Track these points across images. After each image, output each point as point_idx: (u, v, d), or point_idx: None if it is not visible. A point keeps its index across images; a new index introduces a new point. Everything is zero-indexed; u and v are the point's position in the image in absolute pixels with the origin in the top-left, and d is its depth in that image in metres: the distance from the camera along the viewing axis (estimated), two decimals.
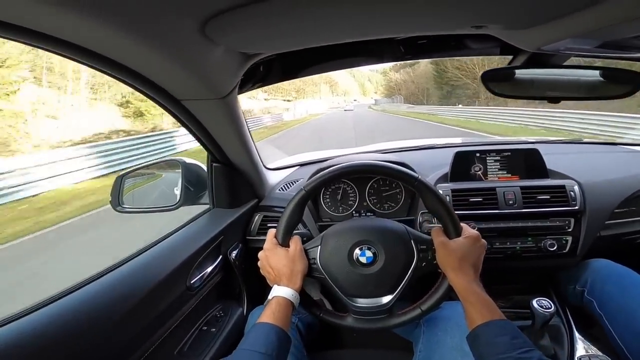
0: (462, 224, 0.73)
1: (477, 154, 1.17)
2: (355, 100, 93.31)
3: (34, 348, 0.55)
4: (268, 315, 0.65)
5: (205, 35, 0.53)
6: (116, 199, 1.06)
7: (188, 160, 1.11)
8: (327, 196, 1.17)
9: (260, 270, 0.77)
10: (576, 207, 1.04)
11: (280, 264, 0.72)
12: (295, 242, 0.75)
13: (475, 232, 0.72)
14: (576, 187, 1.07)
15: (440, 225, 0.74)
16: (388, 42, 0.93)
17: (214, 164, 1.06)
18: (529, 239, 1.06)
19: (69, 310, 0.62)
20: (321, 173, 0.77)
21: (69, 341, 0.59)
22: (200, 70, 0.67)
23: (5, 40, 0.46)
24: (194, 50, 0.59)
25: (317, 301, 0.79)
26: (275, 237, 0.76)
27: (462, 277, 0.66)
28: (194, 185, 1.11)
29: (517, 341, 0.55)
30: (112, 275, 0.74)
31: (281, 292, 0.69)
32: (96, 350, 0.63)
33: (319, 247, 0.75)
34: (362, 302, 0.74)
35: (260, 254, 0.77)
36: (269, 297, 0.70)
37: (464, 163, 1.17)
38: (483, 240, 0.72)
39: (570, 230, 1.05)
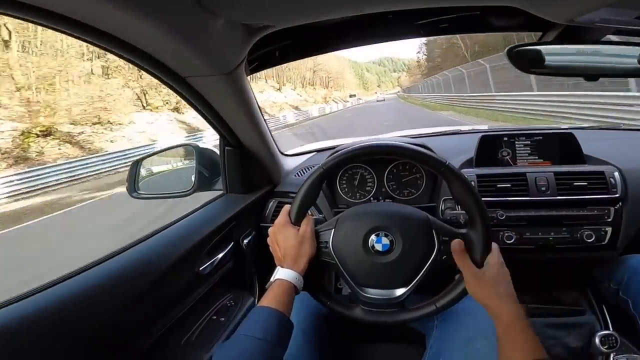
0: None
1: (505, 138, 1.10)
2: (354, 95, 71.01)
3: (39, 328, 0.54)
4: (269, 299, 0.61)
5: (202, 6, 0.51)
6: (132, 185, 1.06)
7: (202, 145, 1.09)
8: (344, 181, 1.12)
9: (269, 247, 0.74)
10: (617, 195, 0.95)
11: (288, 244, 0.68)
12: (307, 223, 0.70)
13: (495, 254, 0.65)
14: (616, 174, 0.97)
15: (459, 241, 0.65)
16: (406, 16, 0.87)
17: (227, 148, 1.04)
18: (564, 229, 0.97)
19: (75, 291, 0.62)
20: (341, 152, 0.72)
21: (74, 323, 0.59)
22: (201, 45, 0.64)
23: None
24: (192, 23, 0.56)
25: (327, 288, 0.75)
26: (289, 214, 0.72)
27: (508, 306, 0.59)
28: (208, 170, 1.10)
29: None
30: (122, 257, 0.74)
31: (284, 274, 0.65)
32: (102, 332, 0.62)
33: (333, 230, 0.70)
34: (373, 292, 0.68)
35: (270, 229, 0.73)
36: (272, 279, 0.66)
37: (491, 147, 1.10)
38: (505, 268, 0.65)
39: (610, 220, 0.96)
